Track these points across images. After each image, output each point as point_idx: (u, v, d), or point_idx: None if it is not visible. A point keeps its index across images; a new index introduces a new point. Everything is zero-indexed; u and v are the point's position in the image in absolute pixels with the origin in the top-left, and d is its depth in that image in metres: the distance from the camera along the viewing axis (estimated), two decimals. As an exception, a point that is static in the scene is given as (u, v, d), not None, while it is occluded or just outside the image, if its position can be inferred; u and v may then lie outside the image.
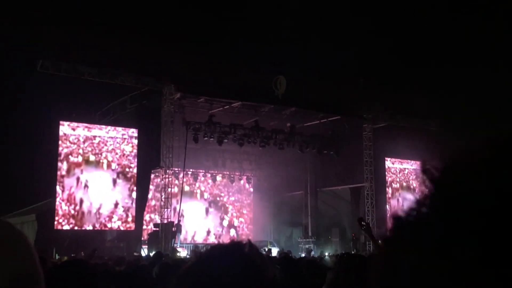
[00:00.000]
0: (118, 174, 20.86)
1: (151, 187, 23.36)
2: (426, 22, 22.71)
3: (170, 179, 21.04)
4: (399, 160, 26.23)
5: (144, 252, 19.63)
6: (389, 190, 25.82)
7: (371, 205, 24.52)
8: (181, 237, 23.23)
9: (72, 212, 19.77)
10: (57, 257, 16.59)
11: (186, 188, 26.96)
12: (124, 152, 21.08)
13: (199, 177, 28.71)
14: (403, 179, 26.42)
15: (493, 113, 20.59)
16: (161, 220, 20.50)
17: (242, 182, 30.24)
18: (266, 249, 21.05)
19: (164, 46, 19.98)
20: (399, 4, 22.04)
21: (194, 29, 22.57)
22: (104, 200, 20.32)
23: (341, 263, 3.47)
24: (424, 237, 0.47)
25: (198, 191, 28.91)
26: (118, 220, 20.53)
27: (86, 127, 20.61)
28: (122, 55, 19.11)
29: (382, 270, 0.50)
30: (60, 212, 19.55)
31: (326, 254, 20.33)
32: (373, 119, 24.61)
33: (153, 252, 14.57)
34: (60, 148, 19.89)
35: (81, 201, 19.95)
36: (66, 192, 19.79)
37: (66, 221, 19.63)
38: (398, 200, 26.08)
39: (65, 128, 20.17)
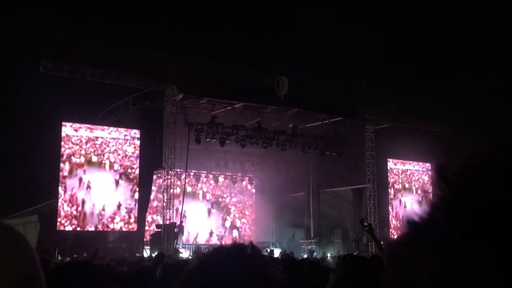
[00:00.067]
0: (120, 175, 20.87)
1: (153, 188, 23.37)
2: (427, 22, 22.70)
3: (172, 180, 21.05)
4: (401, 161, 26.21)
5: (146, 253, 19.63)
6: (391, 191, 25.79)
7: (373, 206, 24.50)
8: (184, 238, 23.25)
9: (75, 213, 19.78)
10: (59, 258, 16.60)
11: (188, 189, 26.96)
12: (127, 153, 21.09)
13: (201, 178, 28.72)
14: (406, 180, 26.40)
15: (496, 115, 20.57)
16: (163, 221, 20.51)
17: (244, 183, 30.24)
18: (268, 250, 21.04)
19: (167, 47, 20.00)
20: (400, 4, 22.03)
21: (196, 30, 22.58)
22: (107, 201, 20.33)
23: (343, 265, 3.46)
24: (443, 241, 0.46)
25: (200, 192, 28.91)
26: (120, 221, 20.54)
27: (89, 128, 20.62)
28: (125, 56, 19.11)
29: (400, 276, 0.49)
30: (62, 213, 19.57)
31: (328, 255, 20.32)
32: (375, 120, 24.59)
33: (155, 253, 14.57)
34: (63, 149, 19.90)
35: (83, 202, 19.96)
36: (68, 193, 19.80)
37: (68, 222, 19.65)
38: (400, 201, 26.07)
39: (67, 129, 20.18)
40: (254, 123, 23.12)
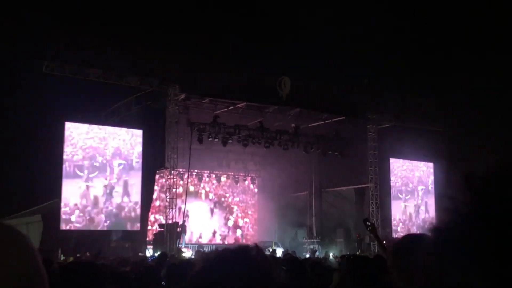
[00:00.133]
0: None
1: (155, 187, 23.39)
2: (429, 22, 22.65)
3: (175, 179, 21.08)
4: (403, 160, 26.16)
5: (149, 252, 19.65)
6: (394, 191, 25.75)
7: (375, 206, 24.47)
8: (186, 237, 23.25)
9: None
10: (62, 258, 16.61)
11: (191, 188, 26.98)
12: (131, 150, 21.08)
13: (203, 178, 28.74)
14: (408, 179, 26.35)
15: (500, 115, 20.54)
16: (166, 221, 20.53)
17: (246, 182, 30.25)
18: (271, 250, 21.06)
19: (169, 47, 20.00)
20: (401, 4, 21.99)
21: (196, 30, 22.57)
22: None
23: (346, 265, 3.47)
24: (471, 250, 0.46)
25: (203, 191, 28.94)
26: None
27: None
28: (127, 56, 19.13)
29: (427, 284, 0.49)
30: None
31: (331, 254, 20.34)
32: (377, 120, 24.56)
33: (158, 253, 14.57)
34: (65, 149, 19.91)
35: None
36: (71, 193, 19.80)
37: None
38: (402, 201, 26.02)
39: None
40: (256, 123, 23.12)
